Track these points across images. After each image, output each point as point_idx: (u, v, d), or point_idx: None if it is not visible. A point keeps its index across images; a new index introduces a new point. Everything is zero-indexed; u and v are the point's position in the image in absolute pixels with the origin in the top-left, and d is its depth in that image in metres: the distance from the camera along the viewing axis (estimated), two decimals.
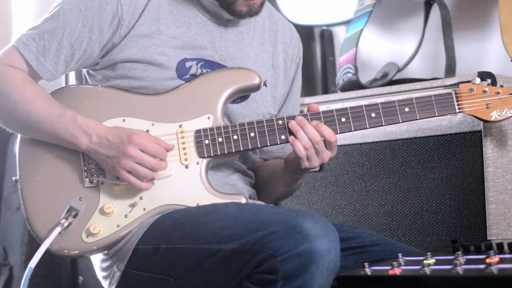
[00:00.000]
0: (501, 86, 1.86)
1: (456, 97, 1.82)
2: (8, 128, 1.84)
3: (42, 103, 1.77)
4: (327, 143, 1.77)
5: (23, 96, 1.76)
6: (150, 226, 1.73)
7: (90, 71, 1.89)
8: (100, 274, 1.86)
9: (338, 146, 2.37)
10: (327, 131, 1.76)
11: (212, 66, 1.85)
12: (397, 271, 1.51)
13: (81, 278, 2.79)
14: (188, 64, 1.83)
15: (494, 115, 1.83)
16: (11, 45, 1.81)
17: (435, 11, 2.71)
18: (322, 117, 1.79)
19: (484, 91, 1.83)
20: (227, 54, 1.87)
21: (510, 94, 1.83)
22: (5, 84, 1.77)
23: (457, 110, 1.82)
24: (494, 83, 2.11)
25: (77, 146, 1.75)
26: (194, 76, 1.83)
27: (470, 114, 1.84)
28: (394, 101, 1.81)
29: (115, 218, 1.77)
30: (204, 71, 1.84)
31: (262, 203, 1.93)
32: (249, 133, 1.80)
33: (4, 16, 3.55)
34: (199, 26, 1.85)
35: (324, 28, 3.12)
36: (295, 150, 1.77)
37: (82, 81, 1.95)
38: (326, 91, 3.05)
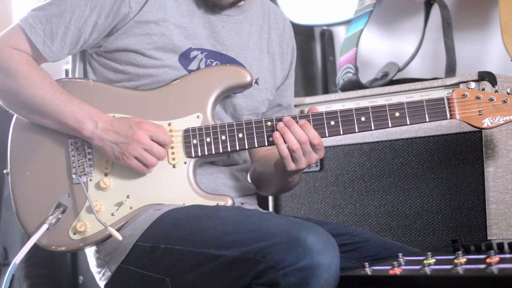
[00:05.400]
0: (496, 92, 1.83)
1: (448, 103, 1.80)
2: (12, 110, 1.83)
3: (48, 88, 1.77)
4: (311, 145, 1.75)
5: (29, 80, 1.77)
6: (149, 226, 1.72)
7: (92, 59, 1.87)
8: (94, 269, 1.86)
9: (338, 146, 2.40)
10: (311, 133, 1.75)
11: (215, 56, 1.86)
12: (397, 271, 1.51)
13: (81, 278, 2.79)
14: (193, 54, 1.83)
15: (486, 122, 1.80)
16: (16, 25, 1.80)
17: (435, 11, 2.71)
18: (311, 120, 1.78)
19: (478, 97, 1.80)
20: (229, 43, 1.87)
21: (504, 101, 1.80)
22: (10, 67, 1.77)
23: (449, 117, 1.79)
24: (494, 83, 2.11)
25: (80, 132, 1.76)
26: (198, 67, 1.83)
27: (462, 121, 1.81)
28: (385, 105, 1.79)
29: (102, 216, 1.77)
30: (209, 61, 1.85)
31: (251, 207, 1.92)
32: (237, 134, 1.79)
33: (4, 15, 3.55)
34: (202, 16, 1.85)
35: (325, 28, 3.12)
36: (278, 150, 1.75)
37: (85, 64, 1.92)
38: (326, 91, 3.05)
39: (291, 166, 1.77)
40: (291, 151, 1.75)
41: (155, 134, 1.74)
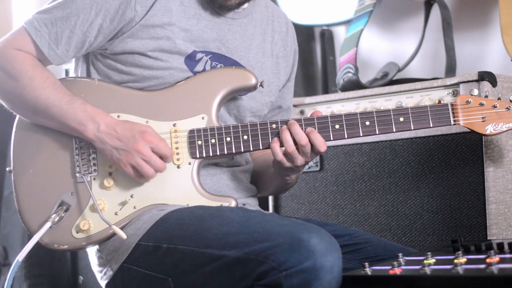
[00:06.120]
0: (499, 99, 1.84)
1: (452, 109, 1.81)
2: (15, 112, 1.83)
3: (51, 89, 1.77)
4: (315, 150, 1.77)
5: (32, 82, 1.77)
6: (153, 226, 1.72)
7: (96, 60, 1.87)
8: (95, 268, 1.86)
9: (338, 146, 2.40)
10: (318, 139, 1.76)
11: (219, 58, 1.86)
12: (397, 271, 1.51)
13: (81, 278, 2.79)
14: (198, 56, 1.83)
15: (489, 129, 1.82)
16: (21, 27, 1.80)
17: (435, 11, 2.71)
18: (316, 123, 1.78)
19: (481, 104, 1.81)
20: (233, 46, 1.88)
21: (507, 108, 1.81)
22: (14, 68, 1.77)
23: (452, 123, 1.81)
24: (494, 83, 2.12)
25: (82, 133, 1.75)
26: (204, 69, 1.84)
27: (465, 127, 1.83)
28: (389, 110, 1.80)
29: (105, 215, 1.77)
30: (214, 63, 1.85)
31: (253, 208, 1.92)
32: (242, 136, 1.80)
33: (4, 16, 3.55)
34: (208, 19, 1.85)
35: (324, 28, 3.13)
36: (272, 153, 1.77)
37: (88, 65, 1.93)
38: (326, 91, 3.05)
39: (287, 164, 1.78)
40: (286, 152, 1.76)
41: (157, 146, 1.74)
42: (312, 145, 1.76)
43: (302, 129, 1.77)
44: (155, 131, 1.76)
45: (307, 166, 2.43)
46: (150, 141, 1.73)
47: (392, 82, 2.52)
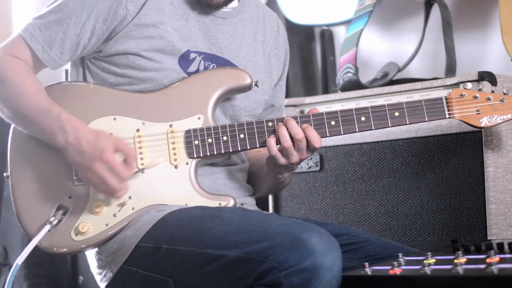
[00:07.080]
0: (492, 92, 1.86)
1: (447, 103, 1.82)
2: (4, 118, 1.83)
3: (32, 97, 1.77)
4: (310, 147, 1.77)
5: (14, 89, 1.77)
6: (152, 227, 1.72)
7: (91, 63, 1.87)
8: (94, 270, 1.86)
9: (338, 146, 2.40)
10: (313, 135, 1.77)
11: (211, 58, 1.86)
12: (397, 271, 1.51)
13: (81, 278, 2.79)
14: (191, 56, 1.84)
15: (484, 121, 1.83)
16: (17, 35, 1.82)
17: (436, 11, 2.71)
18: (311, 120, 1.79)
19: (475, 97, 1.83)
20: (223, 46, 1.88)
21: (501, 100, 1.82)
22: (0, 73, 1.78)
23: (447, 116, 1.82)
24: (494, 83, 2.12)
25: (55, 143, 1.75)
26: (198, 69, 1.84)
27: (460, 120, 1.84)
28: (384, 105, 1.81)
29: (104, 217, 1.77)
30: (206, 63, 1.85)
31: (251, 208, 1.92)
32: (239, 135, 1.80)
33: (4, 16, 3.55)
34: (197, 19, 1.86)
35: (324, 28, 3.13)
36: (268, 147, 1.78)
37: (84, 69, 1.92)
38: (326, 91, 3.05)
39: (282, 160, 1.78)
40: (282, 148, 1.76)
41: (114, 167, 1.69)
42: (307, 141, 1.77)
43: (298, 125, 1.77)
44: (120, 143, 1.71)
45: (307, 166, 2.43)
46: (107, 161, 1.69)
47: (392, 82, 2.52)
